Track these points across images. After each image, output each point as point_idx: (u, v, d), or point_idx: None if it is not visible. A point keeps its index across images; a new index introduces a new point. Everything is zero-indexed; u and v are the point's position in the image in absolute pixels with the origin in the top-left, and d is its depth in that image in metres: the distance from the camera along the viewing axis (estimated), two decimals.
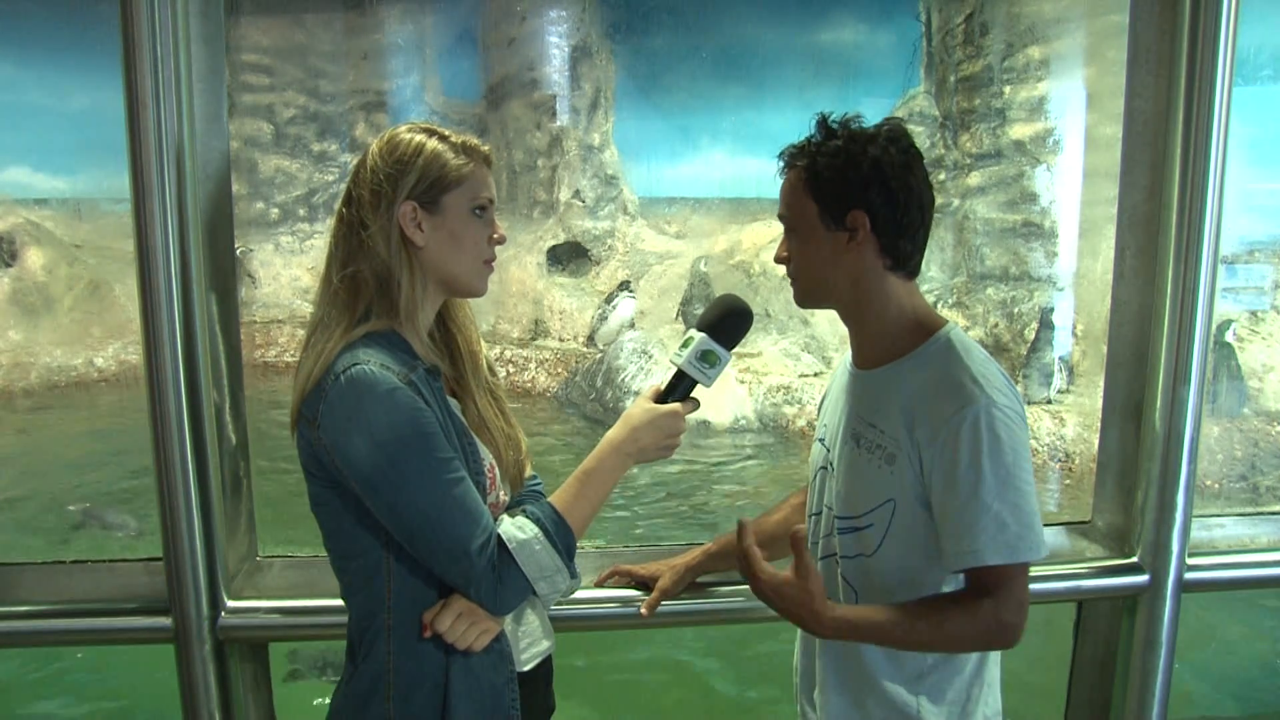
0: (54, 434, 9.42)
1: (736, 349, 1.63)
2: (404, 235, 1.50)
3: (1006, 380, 1.55)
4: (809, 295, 1.67)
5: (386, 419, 1.41)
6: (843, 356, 1.79)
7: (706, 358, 1.58)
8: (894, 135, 1.59)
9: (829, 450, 1.72)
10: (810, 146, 1.60)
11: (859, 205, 1.56)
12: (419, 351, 1.51)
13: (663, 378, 1.64)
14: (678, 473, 7.82)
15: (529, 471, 1.71)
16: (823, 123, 1.61)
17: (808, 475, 1.83)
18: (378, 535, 1.49)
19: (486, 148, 1.57)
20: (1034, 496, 1.52)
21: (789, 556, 1.83)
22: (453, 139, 1.54)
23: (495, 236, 1.57)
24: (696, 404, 1.63)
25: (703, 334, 1.59)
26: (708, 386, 1.61)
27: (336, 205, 1.55)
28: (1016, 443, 1.50)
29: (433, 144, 1.51)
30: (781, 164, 1.65)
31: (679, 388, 1.60)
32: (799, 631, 1.79)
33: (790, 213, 1.63)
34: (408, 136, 1.52)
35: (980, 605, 1.49)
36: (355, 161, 1.56)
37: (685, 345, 1.60)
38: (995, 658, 1.67)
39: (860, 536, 1.61)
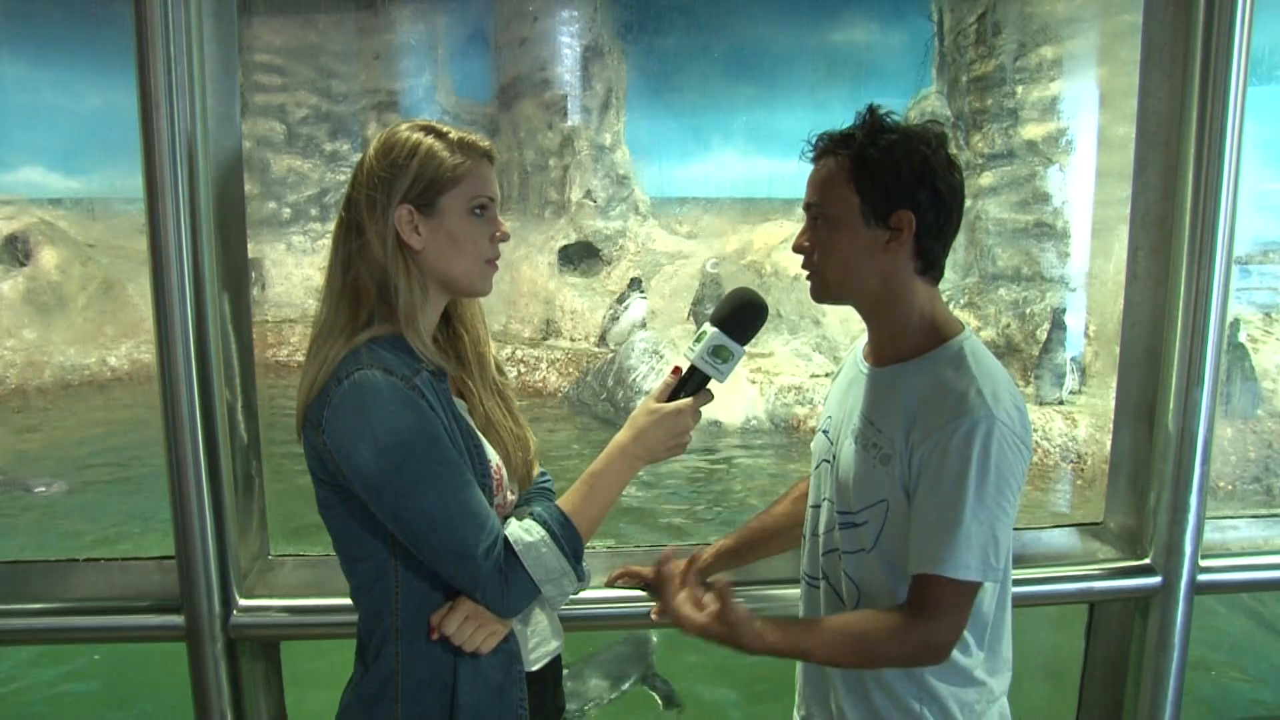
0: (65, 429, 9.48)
1: (748, 348, 1.60)
2: (400, 240, 1.48)
3: (1014, 400, 1.52)
4: (831, 289, 1.62)
5: (390, 424, 1.41)
6: (854, 348, 1.78)
7: (719, 353, 1.56)
8: (941, 137, 1.56)
9: (832, 443, 1.71)
10: (860, 136, 1.55)
11: (907, 205, 1.53)
12: (423, 354, 1.49)
13: (674, 371, 1.62)
14: (688, 472, 7.82)
15: (537, 471, 1.71)
16: (873, 113, 1.56)
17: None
18: (384, 539, 1.49)
19: (487, 143, 1.54)
20: (1006, 524, 1.50)
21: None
22: (451, 136, 1.50)
23: (498, 235, 1.54)
24: (710, 397, 1.60)
25: (715, 329, 1.57)
26: (721, 381, 1.59)
27: (339, 210, 1.54)
28: (1006, 465, 1.47)
29: (428, 143, 1.48)
30: (814, 149, 1.60)
31: (690, 382, 1.58)
32: None
33: (826, 203, 1.58)
34: (404, 136, 1.49)
35: (912, 626, 1.49)
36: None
37: (698, 340, 1.58)
38: (1004, 666, 1.66)
39: (857, 532, 1.61)
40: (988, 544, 1.47)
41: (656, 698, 4.43)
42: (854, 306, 1.65)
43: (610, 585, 1.96)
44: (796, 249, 1.64)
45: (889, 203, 1.53)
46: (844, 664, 1.58)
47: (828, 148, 1.58)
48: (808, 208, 1.62)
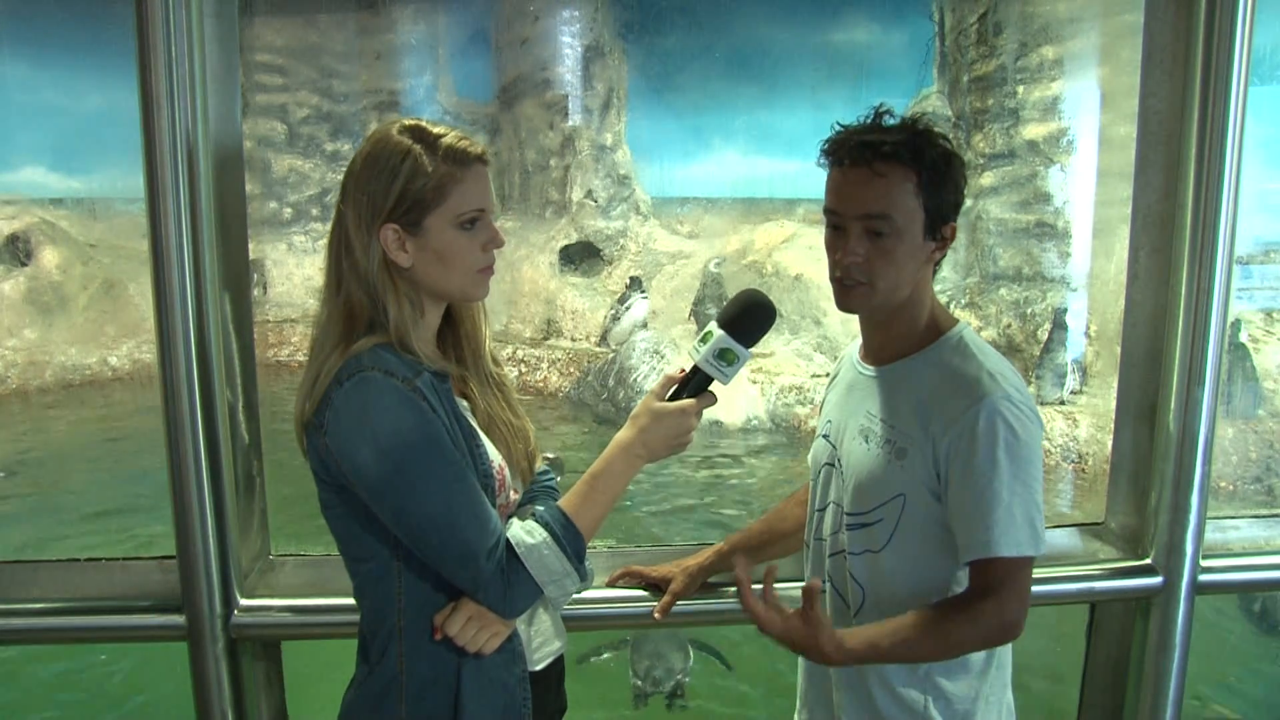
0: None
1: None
2: (387, 259, 1.46)
3: (1017, 376, 1.56)
4: (877, 299, 1.58)
5: (392, 426, 1.41)
6: (846, 353, 1.78)
7: (724, 356, 1.54)
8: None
9: (835, 447, 1.71)
10: (922, 147, 1.52)
11: (953, 217, 1.56)
12: (424, 355, 1.49)
13: (676, 370, 1.60)
14: (689, 471, 7.82)
15: (539, 465, 1.71)
16: (919, 121, 1.55)
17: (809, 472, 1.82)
18: (386, 540, 1.48)
19: (479, 148, 1.49)
20: (1041, 493, 1.53)
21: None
22: (441, 142, 1.46)
23: (489, 243, 1.50)
24: (713, 398, 1.58)
25: (722, 331, 1.54)
26: (724, 384, 1.56)
27: (333, 215, 1.52)
28: (1030, 438, 1.50)
29: (414, 156, 1.44)
30: (861, 152, 1.53)
31: (694, 382, 1.57)
32: None
33: (895, 214, 1.52)
34: (391, 145, 1.46)
35: (983, 607, 1.50)
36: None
37: (704, 340, 1.55)
38: (1006, 659, 1.67)
39: (869, 532, 1.61)
40: (1033, 516, 1.50)
41: (716, 659, 4.61)
42: (872, 312, 1.64)
43: (612, 585, 1.96)
44: (847, 262, 1.56)
45: (946, 214, 1.55)
46: (922, 658, 1.56)
47: (889, 154, 1.51)
48: (870, 218, 1.53)
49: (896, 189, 1.52)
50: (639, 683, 4.41)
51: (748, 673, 4.59)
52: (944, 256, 1.61)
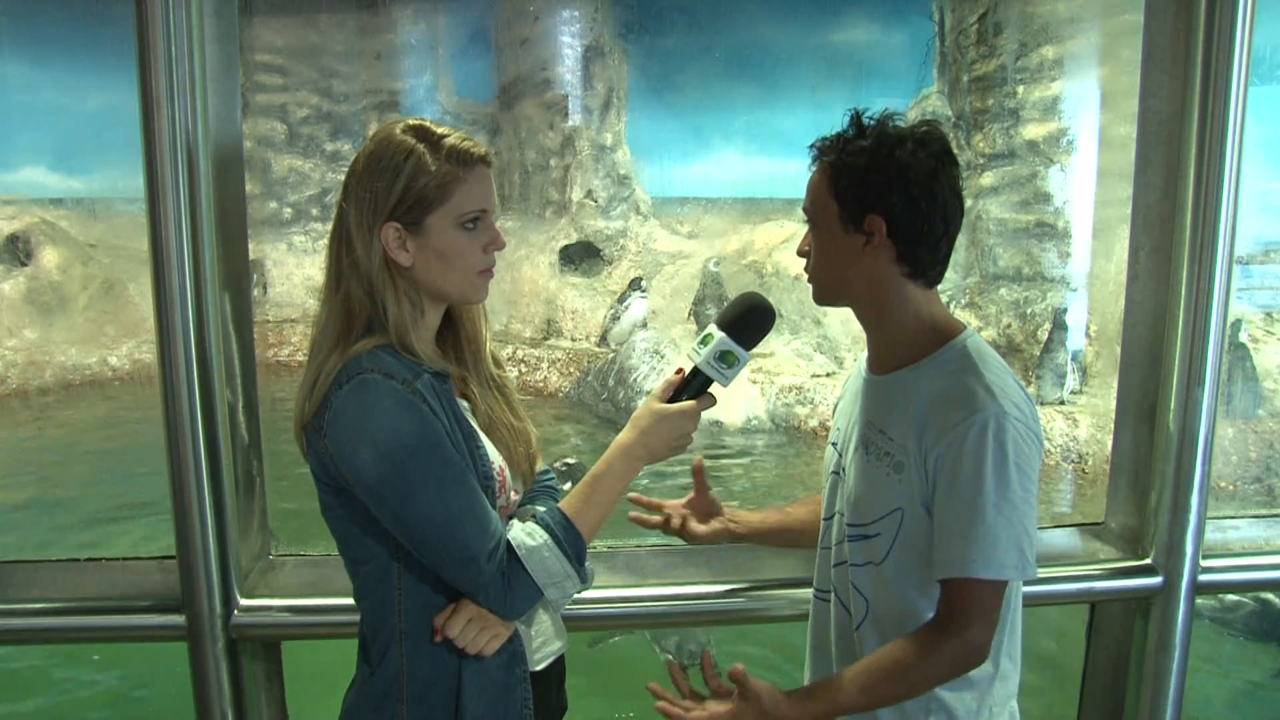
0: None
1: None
2: (388, 258, 1.46)
3: (1022, 393, 1.52)
4: (825, 293, 1.64)
5: (391, 428, 1.40)
6: (858, 359, 1.77)
7: (725, 358, 1.53)
8: (925, 139, 1.54)
9: (841, 455, 1.70)
10: (839, 143, 1.56)
11: (877, 210, 1.52)
12: (424, 356, 1.48)
13: (677, 371, 1.60)
14: (688, 473, 7.82)
15: (540, 465, 1.71)
16: (855, 120, 1.56)
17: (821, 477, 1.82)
18: (386, 541, 1.48)
19: (482, 149, 1.49)
20: (1033, 516, 1.48)
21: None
22: (444, 142, 1.46)
23: (490, 245, 1.50)
24: (713, 400, 1.58)
25: (722, 333, 1.54)
26: (725, 386, 1.56)
27: (334, 214, 1.52)
28: (1023, 457, 1.46)
29: (417, 155, 1.44)
30: (812, 156, 1.61)
31: (693, 384, 1.56)
32: (809, 642, 1.79)
33: (813, 208, 1.60)
34: (395, 144, 1.45)
35: (946, 637, 1.47)
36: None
37: (704, 342, 1.55)
38: (1011, 671, 1.64)
39: (869, 544, 1.60)
40: (1020, 539, 1.46)
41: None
42: (852, 311, 1.65)
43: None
44: (799, 253, 1.66)
45: (860, 207, 1.54)
46: (886, 702, 1.53)
47: (818, 154, 1.60)
48: (804, 212, 1.64)
49: (815, 182, 1.60)
50: (670, 658, 4.47)
51: (759, 639, 4.67)
52: (899, 252, 1.54)
